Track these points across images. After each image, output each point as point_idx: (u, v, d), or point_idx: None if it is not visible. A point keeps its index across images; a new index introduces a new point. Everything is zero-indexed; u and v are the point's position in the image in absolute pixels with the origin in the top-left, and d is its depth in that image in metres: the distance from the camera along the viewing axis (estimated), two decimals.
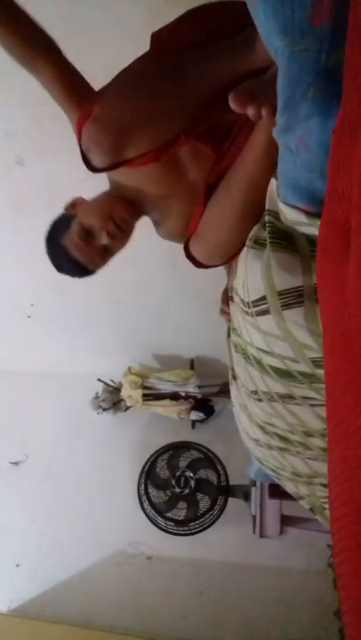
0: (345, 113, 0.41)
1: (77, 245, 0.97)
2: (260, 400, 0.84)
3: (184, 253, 0.89)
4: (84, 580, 2.36)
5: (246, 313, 0.74)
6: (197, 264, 0.89)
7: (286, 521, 1.85)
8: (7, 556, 2.48)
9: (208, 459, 2.30)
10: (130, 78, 0.84)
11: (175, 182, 0.94)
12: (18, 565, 2.46)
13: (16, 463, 2.75)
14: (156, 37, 0.91)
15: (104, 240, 0.97)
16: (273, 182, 0.69)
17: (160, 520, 2.20)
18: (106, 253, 1.01)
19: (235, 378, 0.97)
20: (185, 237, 1.08)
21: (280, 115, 0.53)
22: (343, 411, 0.36)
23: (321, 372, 0.66)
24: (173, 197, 0.97)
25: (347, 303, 0.38)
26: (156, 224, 1.07)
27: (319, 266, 0.50)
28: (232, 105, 0.62)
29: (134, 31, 1.39)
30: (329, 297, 0.44)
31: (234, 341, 0.90)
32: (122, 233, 0.98)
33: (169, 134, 0.82)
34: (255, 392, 0.84)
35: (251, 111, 0.62)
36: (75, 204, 1.03)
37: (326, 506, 0.98)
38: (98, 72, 1.52)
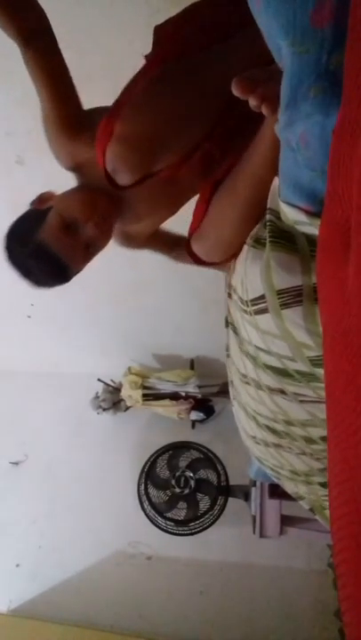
0: (345, 113, 0.41)
1: (59, 238, 0.86)
2: (247, 383, 0.85)
3: (185, 249, 0.89)
4: (84, 580, 2.36)
5: (245, 312, 0.74)
6: (197, 261, 0.88)
7: (286, 521, 1.85)
8: (7, 556, 2.48)
9: (208, 459, 2.29)
10: (146, 89, 0.80)
11: (165, 184, 0.90)
12: (18, 565, 2.46)
13: (16, 463, 2.75)
14: (160, 33, 0.90)
15: (91, 231, 0.87)
16: (276, 180, 0.68)
17: (160, 520, 2.20)
18: (87, 252, 0.91)
19: (228, 356, 0.97)
20: (146, 242, 1.07)
21: (282, 112, 0.53)
22: (343, 411, 0.36)
23: (319, 370, 0.66)
24: (158, 197, 0.93)
25: (347, 303, 0.38)
26: (124, 225, 1.00)
27: (319, 266, 0.50)
28: (234, 90, 0.61)
29: (134, 31, 1.39)
30: (329, 297, 0.44)
31: (235, 327, 0.90)
32: (106, 226, 0.90)
33: (192, 141, 0.80)
34: (245, 375, 0.85)
35: (252, 102, 0.61)
36: (44, 199, 0.93)
37: (326, 505, 0.98)
38: (97, 72, 1.52)
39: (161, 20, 1.34)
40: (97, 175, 0.86)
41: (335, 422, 0.37)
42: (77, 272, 0.94)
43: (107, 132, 0.77)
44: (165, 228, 1.20)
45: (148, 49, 1.22)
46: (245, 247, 0.76)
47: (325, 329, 0.45)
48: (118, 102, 0.80)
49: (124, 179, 0.81)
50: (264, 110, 0.60)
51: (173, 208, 0.98)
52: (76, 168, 0.88)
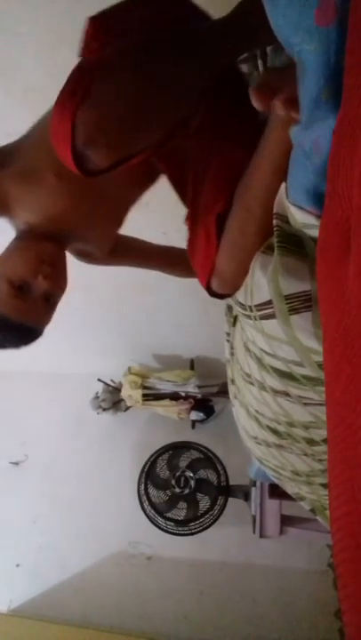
0: (345, 113, 0.41)
1: (14, 306, 0.82)
2: (251, 384, 0.84)
3: (208, 294, 0.81)
4: (84, 580, 2.37)
5: (248, 317, 0.73)
6: (223, 297, 0.81)
7: (286, 521, 1.85)
8: (7, 556, 2.48)
9: (208, 459, 2.29)
10: (127, 50, 0.66)
11: (97, 199, 0.84)
12: (18, 565, 2.46)
13: (16, 463, 2.75)
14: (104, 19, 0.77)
15: (43, 285, 0.83)
16: (282, 185, 0.67)
17: (160, 520, 2.20)
18: (47, 304, 0.87)
19: (232, 354, 0.97)
20: (114, 258, 1.04)
21: (301, 113, 0.51)
22: (343, 411, 0.36)
23: None
24: (95, 218, 0.87)
25: (347, 303, 0.38)
26: (81, 254, 0.98)
27: (319, 266, 0.49)
28: (254, 102, 0.55)
29: None
30: (329, 297, 0.44)
31: (241, 326, 0.89)
32: (57, 272, 0.86)
33: (178, 118, 0.68)
34: (249, 375, 0.84)
35: (280, 111, 0.54)
36: None
37: (328, 505, 0.98)
38: None
39: None
40: (31, 208, 0.80)
41: (335, 422, 0.37)
42: (46, 324, 0.91)
43: (77, 93, 0.59)
44: (153, 243, 1.15)
45: None
46: (256, 254, 0.73)
47: (325, 329, 0.45)
48: (90, 60, 0.69)
49: (99, 158, 0.61)
50: (293, 114, 0.54)
51: (118, 220, 0.95)
52: (4, 210, 0.81)
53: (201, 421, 2.64)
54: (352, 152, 0.40)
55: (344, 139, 0.41)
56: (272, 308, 0.65)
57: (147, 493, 2.24)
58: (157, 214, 1.88)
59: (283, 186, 0.65)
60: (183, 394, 2.60)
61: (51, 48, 1.44)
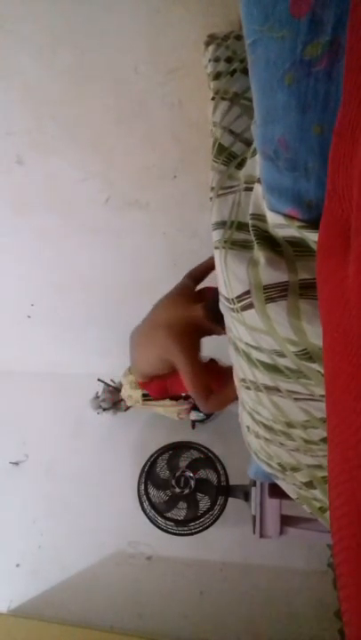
0: (345, 113, 0.41)
1: None
2: (248, 388, 0.86)
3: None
4: (84, 580, 2.37)
5: (232, 310, 0.75)
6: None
7: (286, 521, 1.85)
8: (7, 556, 2.48)
9: (208, 459, 2.29)
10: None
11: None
12: (18, 565, 2.46)
13: (16, 463, 2.75)
14: None
15: None
16: (258, 187, 0.69)
17: (160, 520, 2.20)
18: None
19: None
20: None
21: (258, 120, 0.53)
22: (343, 411, 0.36)
23: (305, 364, 0.67)
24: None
25: (347, 303, 0.38)
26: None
27: (319, 265, 0.50)
28: None
29: (134, 31, 1.38)
30: (329, 297, 0.44)
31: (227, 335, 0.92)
32: None
33: None
34: (244, 380, 0.86)
35: None
36: None
37: (317, 505, 0.99)
38: (98, 71, 1.52)
39: (161, 19, 1.34)
40: None
41: (335, 422, 0.37)
42: None
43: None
44: None
45: (148, 49, 1.22)
46: (219, 250, 0.77)
47: (325, 329, 0.45)
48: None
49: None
50: None
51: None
52: None
53: (201, 421, 2.64)
54: (352, 152, 0.40)
55: (344, 138, 0.41)
56: (250, 297, 0.66)
57: (147, 493, 2.24)
58: (157, 214, 1.88)
59: (259, 188, 0.68)
60: (183, 394, 2.60)
61: (51, 48, 1.44)
